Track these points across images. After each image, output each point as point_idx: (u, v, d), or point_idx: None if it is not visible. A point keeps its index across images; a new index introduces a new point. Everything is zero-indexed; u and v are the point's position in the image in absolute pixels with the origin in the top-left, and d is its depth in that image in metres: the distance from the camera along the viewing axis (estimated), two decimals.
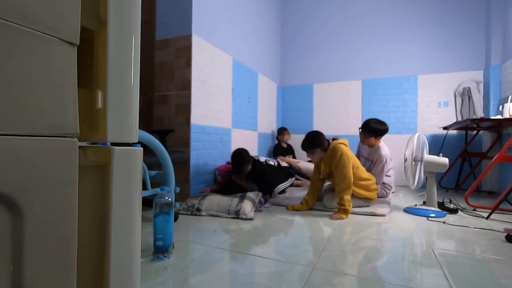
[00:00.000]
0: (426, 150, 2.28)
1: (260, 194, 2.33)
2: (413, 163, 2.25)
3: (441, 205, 2.28)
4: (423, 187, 2.61)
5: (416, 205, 2.35)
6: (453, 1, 3.67)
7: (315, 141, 2.25)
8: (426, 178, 2.31)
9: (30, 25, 0.40)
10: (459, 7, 3.64)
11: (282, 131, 4.05)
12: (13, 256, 0.38)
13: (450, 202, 2.32)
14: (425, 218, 2.07)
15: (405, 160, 2.30)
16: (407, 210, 2.27)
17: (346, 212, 2.05)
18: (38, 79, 0.41)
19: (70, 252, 0.45)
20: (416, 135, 2.30)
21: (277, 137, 4.12)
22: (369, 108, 4.06)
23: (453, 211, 2.22)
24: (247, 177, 2.59)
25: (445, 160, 2.22)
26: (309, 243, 1.53)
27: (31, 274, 0.40)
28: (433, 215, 2.11)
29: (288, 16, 4.61)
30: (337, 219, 2.00)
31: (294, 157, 3.94)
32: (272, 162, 2.87)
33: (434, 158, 2.25)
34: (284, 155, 3.74)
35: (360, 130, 2.66)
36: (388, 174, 2.60)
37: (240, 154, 2.54)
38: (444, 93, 3.70)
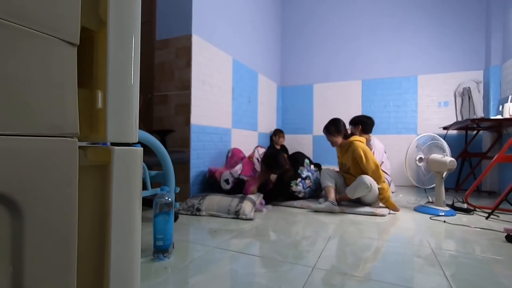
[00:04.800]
0: (447, 151, 2.34)
1: (261, 195, 2.33)
2: (425, 163, 2.35)
3: (450, 206, 2.31)
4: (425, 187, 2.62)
5: (427, 202, 2.37)
6: (453, 1, 3.67)
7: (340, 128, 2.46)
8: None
9: (30, 25, 0.40)
10: (459, 7, 3.64)
11: (277, 132, 4.03)
12: (13, 256, 0.38)
13: (463, 202, 2.34)
14: (427, 218, 2.07)
15: (419, 159, 2.39)
16: (418, 209, 2.32)
17: (387, 200, 2.22)
18: (38, 79, 0.41)
19: (70, 252, 0.45)
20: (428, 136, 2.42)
21: (271, 138, 4.11)
22: (369, 108, 4.06)
23: (468, 211, 2.23)
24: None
25: (448, 159, 2.21)
26: (309, 243, 1.53)
27: (31, 274, 0.40)
28: (443, 213, 2.14)
29: (288, 16, 4.61)
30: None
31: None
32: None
33: (438, 157, 2.29)
34: None
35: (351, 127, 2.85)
36: (386, 172, 2.61)
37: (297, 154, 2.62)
38: (444, 93, 3.70)
